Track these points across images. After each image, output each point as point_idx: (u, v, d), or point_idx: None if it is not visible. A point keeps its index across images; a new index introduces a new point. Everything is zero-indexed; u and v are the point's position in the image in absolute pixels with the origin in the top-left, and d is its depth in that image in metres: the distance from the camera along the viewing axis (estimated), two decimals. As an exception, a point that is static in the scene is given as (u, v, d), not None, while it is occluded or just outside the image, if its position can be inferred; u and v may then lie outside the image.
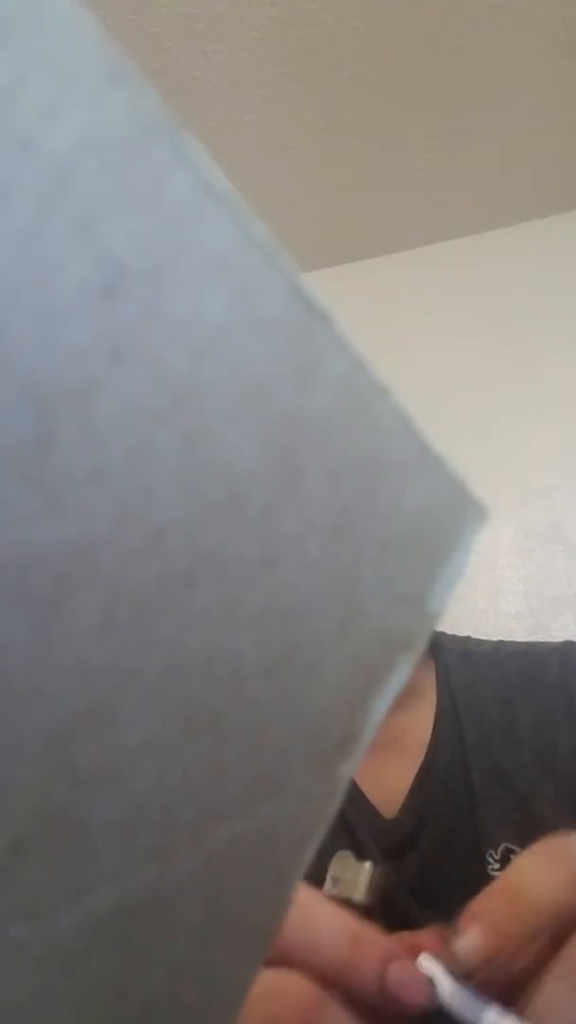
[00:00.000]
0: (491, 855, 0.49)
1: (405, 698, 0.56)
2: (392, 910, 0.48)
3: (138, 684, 0.14)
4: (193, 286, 0.14)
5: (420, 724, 0.56)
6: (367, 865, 0.24)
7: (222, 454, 0.14)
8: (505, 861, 0.48)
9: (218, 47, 1.12)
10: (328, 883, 0.27)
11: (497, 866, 0.49)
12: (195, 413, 0.14)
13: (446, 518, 0.18)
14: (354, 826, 0.52)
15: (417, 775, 0.53)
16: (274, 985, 0.21)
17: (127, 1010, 0.15)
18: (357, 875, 0.24)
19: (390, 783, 0.54)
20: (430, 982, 0.21)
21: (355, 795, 0.53)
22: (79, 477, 0.13)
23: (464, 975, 0.22)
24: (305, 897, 0.23)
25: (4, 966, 0.13)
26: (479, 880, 0.43)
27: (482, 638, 0.64)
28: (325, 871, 0.26)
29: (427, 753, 0.54)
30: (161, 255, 0.13)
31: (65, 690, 0.13)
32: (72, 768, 0.13)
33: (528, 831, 0.41)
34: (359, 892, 0.24)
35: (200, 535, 0.14)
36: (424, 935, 0.24)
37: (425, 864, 0.50)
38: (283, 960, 0.22)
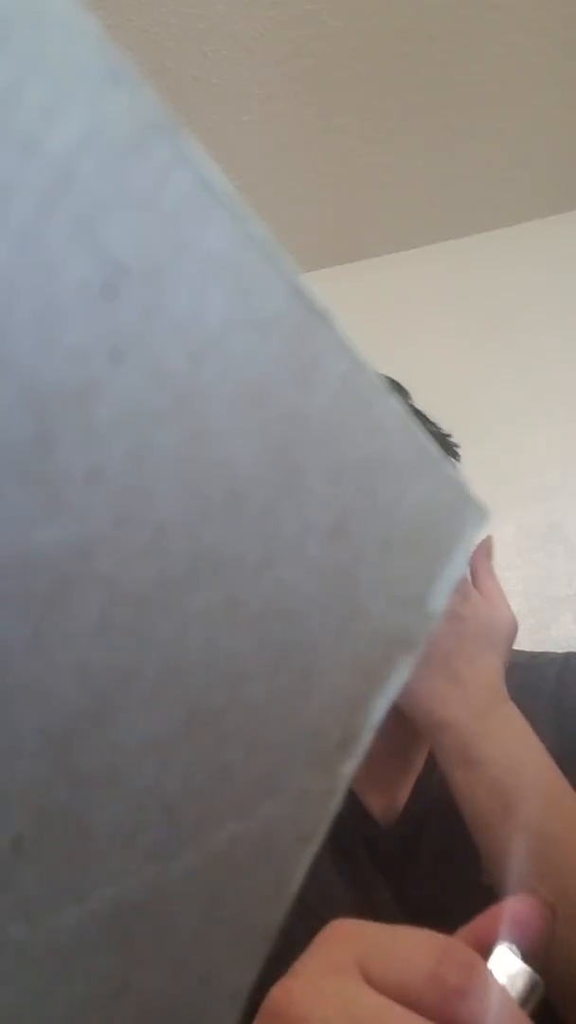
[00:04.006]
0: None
1: None
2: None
3: (138, 684, 0.14)
4: (193, 286, 0.14)
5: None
6: (528, 971, 0.23)
7: (222, 454, 0.14)
8: None
9: (218, 47, 1.12)
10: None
11: None
12: (195, 413, 0.14)
13: (446, 518, 0.18)
14: (346, 834, 0.52)
15: (416, 783, 0.53)
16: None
17: (127, 1010, 0.15)
18: (515, 977, 0.23)
19: (390, 790, 0.54)
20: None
21: (351, 801, 0.53)
22: (79, 477, 0.13)
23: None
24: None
25: (4, 966, 0.13)
26: (477, 890, 0.43)
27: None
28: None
29: (427, 761, 0.54)
30: (161, 255, 0.13)
31: (65, 690, 0.13)
32: (72, 768, 0.13)
33: None
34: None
35: (200, 535, 0.14)
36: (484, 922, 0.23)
37: (424, 874, 0.50)
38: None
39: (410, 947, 0.22)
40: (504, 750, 0.43)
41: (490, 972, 0.21)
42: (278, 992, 0.22)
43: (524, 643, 0.66)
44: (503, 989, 0.21)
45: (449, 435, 0.59)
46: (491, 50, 1.16)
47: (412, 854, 0.51)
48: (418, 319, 1.46)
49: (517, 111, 1.26)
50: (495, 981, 0.21)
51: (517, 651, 0.62)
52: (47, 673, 0.13)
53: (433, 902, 0.49)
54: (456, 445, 0.59)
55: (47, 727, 0.13)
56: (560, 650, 0.62)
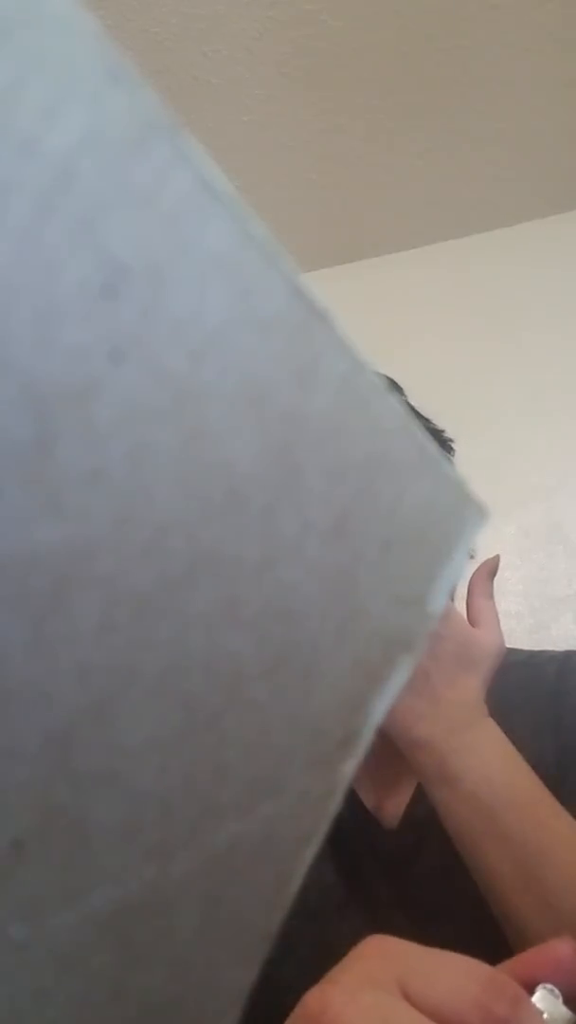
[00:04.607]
0: None
1: None
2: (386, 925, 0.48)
3: (138, 684, 0.14)
4: (193, 286, 0.14)
5: None
6: (571, 1016, 0.23)
7: (222, 454, 0.14)
8: None
9: (218, 47, 1.12)
10: None
11: None
12: (195, 413, 0.14)
13: (446, 518, 0.18)
14: (347, 835, 0.52)
15: (419, 784, 0.53)
16: None
17: (126, 1010, 0.15)
18: (556, 1019, 0.23)
19: (392, 791, 0.54)
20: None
21: (352, 802, 0.53)
22: (79, 477, 0.13)
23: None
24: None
25: (4, 966, 0.13)
26: (477, 893, 0.43)
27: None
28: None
29: None
30: (161, 255, 0.13)
31: (65, 690, 0.13)
32: (72, 768, 0.13)
33: None
34: None
35: (200, 535, 0.14)
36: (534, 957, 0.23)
37: (426, 876, 0.50)
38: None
39: (454, 972, 0.22)
40: (481, 765, 0.44)
41: (536, 1008, 0.21)
42: (313, 998, 0.21)
43: (524, 643, 0.66)
44: None
45: (443, 431, 0.58)
46: (491, 50, 1.16)
47: (414, 856, 0.51)
48: (418, 319, 1.46)
49: (517, 111, 1.26)
50: (540, 1019, 0.21)
51: (516, 649, 0.62)
52: (47, 674, 0.13)
53: (434, 904, 0.49)
54: (450, 440, 0.59)
55: (47, 728, 0.13)
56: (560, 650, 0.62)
